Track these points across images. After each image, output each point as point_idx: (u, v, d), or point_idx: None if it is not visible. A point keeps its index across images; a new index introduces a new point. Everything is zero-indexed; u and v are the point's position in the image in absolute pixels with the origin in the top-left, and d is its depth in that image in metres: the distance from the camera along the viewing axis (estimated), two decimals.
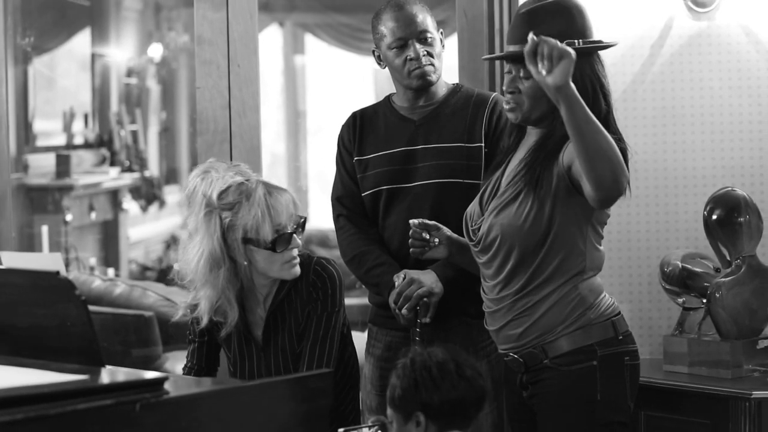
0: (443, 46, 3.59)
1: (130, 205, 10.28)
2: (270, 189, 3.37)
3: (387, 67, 3.61)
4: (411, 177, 3.56)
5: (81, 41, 9.78)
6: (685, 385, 3.74)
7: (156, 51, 10.87)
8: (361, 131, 3.65)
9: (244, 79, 4.33)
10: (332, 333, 3.41)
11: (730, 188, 3.85)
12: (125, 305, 5.86)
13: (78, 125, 9.64)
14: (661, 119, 4.12)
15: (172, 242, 10.57)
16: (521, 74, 3.15)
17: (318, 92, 11.95)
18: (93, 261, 8.92)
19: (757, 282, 3.76)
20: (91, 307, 2.81)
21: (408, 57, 3.53)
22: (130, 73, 10.56)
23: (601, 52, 3.22)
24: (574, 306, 3.14)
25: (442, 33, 3.60)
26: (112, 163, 9.93)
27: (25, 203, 8.62)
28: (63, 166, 8.89)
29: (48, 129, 9.16)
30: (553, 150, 3.12)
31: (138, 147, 10.30)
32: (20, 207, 8.41)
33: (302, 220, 3.41)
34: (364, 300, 3.75)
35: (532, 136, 3.23)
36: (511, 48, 3.18)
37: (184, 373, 3.56)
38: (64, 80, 9.58)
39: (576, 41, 3.09)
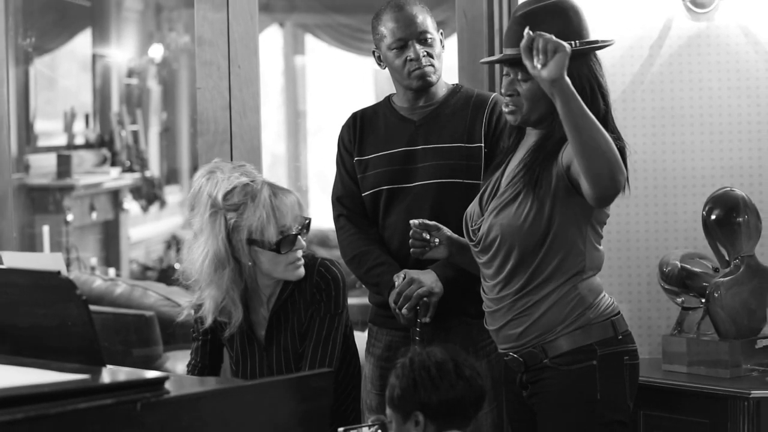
0: (443, 46, 3.59)
1: (130, 205, 10.29)
2: (275, 190, 3.38)
3: (387, 68, 3.61)
4: (411, 177, 3.57)
5: (82, 42, 9.79)
6: (683, 385, 3.74)
7: (157, 52, 10.88)
8: (361, 132, 3.65)
9: (244, 80, 4.34)
10: (335, 334, 3.42)
11: (728, 188, 3.85)
12: (126, 305, 5.86)
13: (79, 125, 9.64)
14: (660, 119, 4.12)
15: (172, 242, 10.58)
16: (519, 77, 3.16)
17: (318, 93, 11.95)
18: (94, 261, 8.92)
19: (755, 282, 3.76)
20: (92, 307, 2.81)
21: (408, 58, 3.53)
22: (130, 73, 10.57)
23: (600, 53, 3.23)
24: (573, 306, 3.14)
25: (442, 33, 3.60)
26: (113, 164, 9.94)
27: (26, 203, 8.62)
28: (64, 166, 8.89)
29: (49, 129, 9.16)
30: (553, 150, 3.13)
31: (139, 147, 10.30)
32: (21, 207, 8.41)
33: (307, 221, 3.42)
34: (364, 300, 3.75)
35: (531, 136, 3.24)
36: (508, 51, 3.18)
37: (188, 370, 3.57)
38: (65, 81, 9.59)
39: (573, 42, 3.10)
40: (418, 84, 3.55)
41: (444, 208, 3.51)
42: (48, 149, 9.07)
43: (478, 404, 2.90)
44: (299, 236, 3.38)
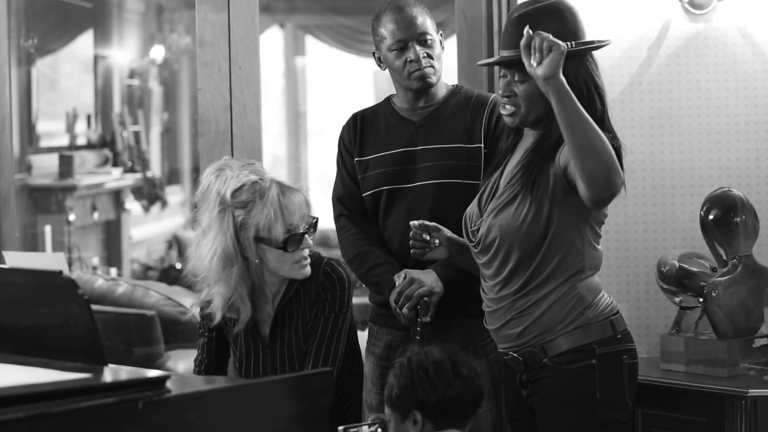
0: (443, 47, 3.59)
1: (132, 205, 10.29)
2: (283, 189, 3.38)
3: (387, 69, 3.61)
4: (411, 177, 3.57)
5: (84, 43, 9.79)
6: (681, 384, 3.74)
7: (158, 53, 10.89)
8: (361, 132, 3.65)
9: (245, 81, 4.35)
10: (339, 333, 3.42)
11: (726, 188, 3.86)
12: (127, 304, 5.86)
13: (81, 126, 9.65)
14: (658, 120, 4.12)
15: (173, 242, 10.59)
16: (516, 78, 3.17)
17: (318, 93, 11.96)
18: (95, 260, 8.92)
19: (753, 281, 3.76)
20: (94, 307, 2.81)
21: (408, 59, 3.53)
22: (132, 74, 10.57)
23: (598, 53, 3.23)
24: (573, 305, 3.15)
25: (441, 35, 3.60)
26: (115, 164, 9.94)
27: (28, 203, 8.63)
28: (66, 166, 8.90)
29: (51, 130, 9.17)
30: (550, 151, 3.13)
31: (140, 148, 10.31)
32: (23, 207, 8.42)
33: (314, 220, 3.43)
34: (365, 299, 3.75)
35: (529, 137, 3.24)
36: (504, 53, 3.19)
37: (195, 365, 3.58)
38: (67, 81, 9.59)
39: (569, 42, 3.11)
40: (418, 85, 3.55)
41: (444, 208, 3.51)
42: (50, 150, 9.08)
43: (475, 403, 2.91)
44: (306, 235, 3.39)
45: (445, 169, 3.54)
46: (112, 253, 9.78)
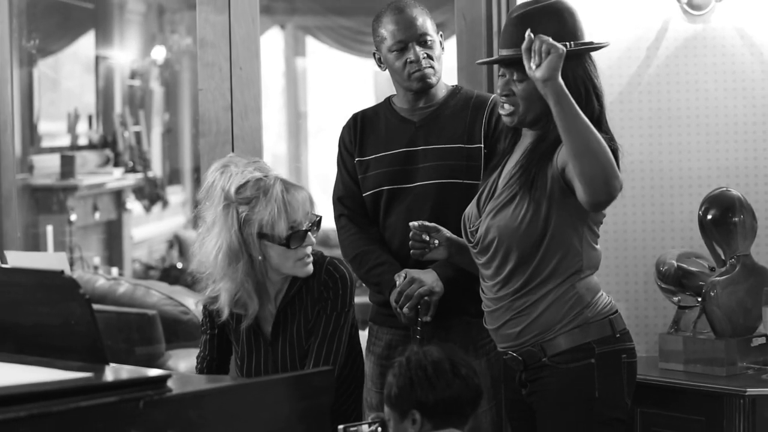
0: (443, 48, 3.60)
1: (133, 205, 10.29)
2: (287, 186, 3.38)
3: (387, 70, 3.62)
4: (411, 177, 3.58)
5: (85, 44, 9.80)
6: (680, 383, 3.74)
7: (159, 53, 10.89)
8: (361, 132, 3.66)
9: (245, 82, 4.36)
10: (340, 332, 3.42)
11: (724, 188, 3.86)
12: (129, 304, 5.87)
13: (82, 126, 9.65)
14: (656, 120, 4.12)
15: (174, 242, 10.60)
16: (515, 77, 3.18)
17: (318, 94, 11.97)
18: (97, 260, 8.92)
19: (751, 281, 3.76)
20: (95, 306, 2.82)
21: (408, 60, 3.54)
22: (133, 75, 10.58)
23: (597, 55, 3.24)
24: (571, 305, 3.15)
25: (441, 35, 3.61)
26: (116, 164, 9.94)
27: (30, 203, 8.63)
28: (67, 166, 8.90)
29: (53, 130, 9.17)
30: (548, 152, 3.14)
31: (141, 148, 10.31)
32: (25, 207, 8.42)
33: (317, 218, 3.43)
34: (365, 298, 3.75)
35: (527, 138, 3.25)
36: (504, 52, 3.20)
37: (197, 362, 3.58)
38: (68, 82, 9.60)
39: (568, 43, 3.12)
40: (419, 86, 3.56)
41: (444, 208, 3.52)
42: (52, 150, 9.08)
43: (474, 403, 2.90)
44: (309, 233, 3.40)
45: (445, 169, 3.55)
46: (114, 253, 9.79)
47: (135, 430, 2.29)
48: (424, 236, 3.34)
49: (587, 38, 3.22)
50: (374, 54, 3.64)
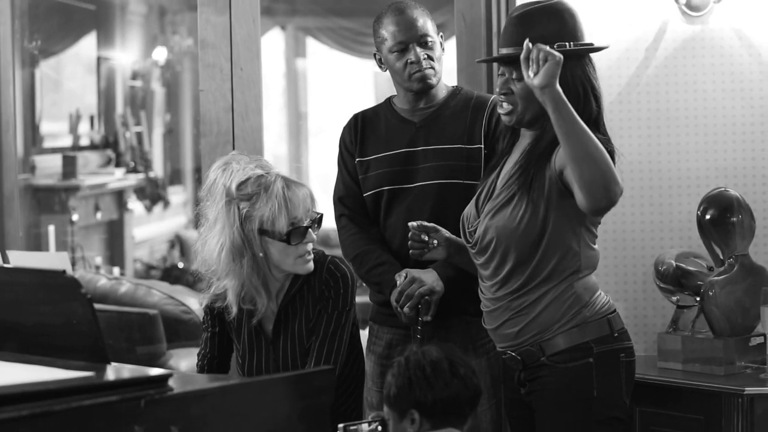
0: (443, 49, 3.61)
1: (135, 205, 10.30)
2: (288, 182, 3.38)
3: (388, 70, 3.62)
4: (412, 178, 3.59)
5: (87, 45, 9.80)
6: (679, 382, 3.75)
7: (160, 54, 10.90)
8: (362, 133, 3.67)
9: (246, 82, 4.36)
10: (341, 331, 3.42)
11: (723, 189, 3.86)
12: (130, 303, 5.87)
13: (84, 127, 9.65)
14: (655, 121, 4.13)
15: (176, 242, 10.61)
16: (514, 76, 3.19)
17: (319, 95, 11.97)
18: (99, 260, 8.93)
19: (749, 280, 3.76)
20: (97, 305, 2.83)
21: (409, 60, 3.54)
22: (135, 75, 10.58)
23: (596, 56, 3.25)
24: (570, 304, 3.16)
25: (442, 36, 3.61)
26: (118, 164, 9.95)
27: (32, 203, 8.64)
28: (69, 167, 8.90)
29: (54, 131, 9.18)
30: (545, 152, 3.14)
31: (143, 148, 10.31)
32: (27, 207, 8.43)
33: (318, 216, 3.43)
34: (365, 298, 3.75)
35: (525, 138, 3.25)
36: (503, 51, 3.21)
37: (198, 359, 3.58)
38: (70, 83, 9.60)
39: (567, 44, 3.13)
40: (419, 86, 3.57)
41: (444, 208, 3.52)
42: (53, 150, 9.09)
43: (473, 402, 2.91)
44: (310, 229, 3.39)
45: (445, 169, 3.56)
46: (115, 253, 9.79)
47: (136, 429, 2.29)
48: (423, 236, 3.34)
49: (587, 39, 3.22)
50: (375, 55, 3.64)
